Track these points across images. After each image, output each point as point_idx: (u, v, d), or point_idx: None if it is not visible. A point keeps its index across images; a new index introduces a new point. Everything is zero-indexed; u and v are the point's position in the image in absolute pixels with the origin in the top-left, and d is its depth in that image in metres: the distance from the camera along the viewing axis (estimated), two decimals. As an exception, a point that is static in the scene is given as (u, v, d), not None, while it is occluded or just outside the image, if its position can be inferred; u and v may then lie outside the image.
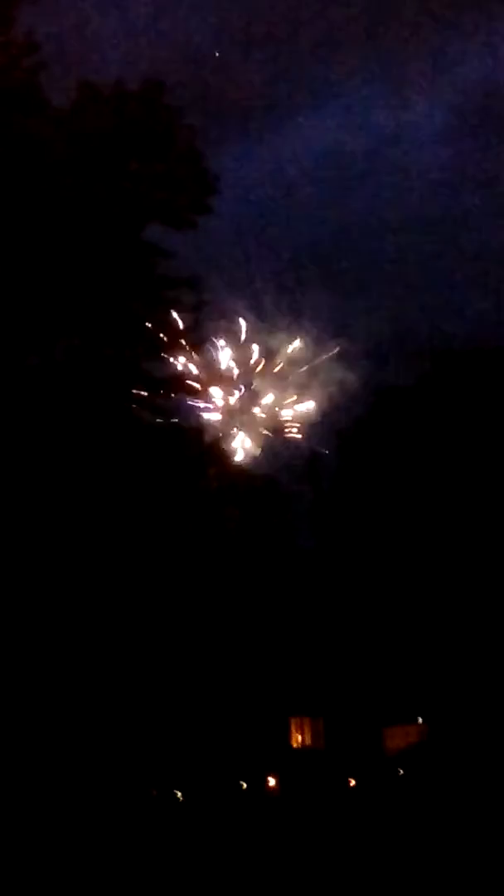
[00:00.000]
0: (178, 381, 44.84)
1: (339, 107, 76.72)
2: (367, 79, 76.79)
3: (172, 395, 44.79)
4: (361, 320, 43.19)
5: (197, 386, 44.66)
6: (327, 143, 73.50)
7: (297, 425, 42.63)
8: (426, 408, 51.56)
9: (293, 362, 42.35)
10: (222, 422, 42.54)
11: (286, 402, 42.57)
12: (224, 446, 44.09)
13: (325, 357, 42.81)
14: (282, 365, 42.40)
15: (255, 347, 42.77)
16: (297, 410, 42.48)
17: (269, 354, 42.71)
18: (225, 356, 42.67)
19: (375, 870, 27.88)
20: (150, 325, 44.33)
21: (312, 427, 43.15)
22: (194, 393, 44.70)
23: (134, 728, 41.61)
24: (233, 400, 42.32)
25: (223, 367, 42.74)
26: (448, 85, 78.72)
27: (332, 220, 65.48)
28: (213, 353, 43.03)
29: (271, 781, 44.28)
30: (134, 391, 44.94)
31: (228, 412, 42.49)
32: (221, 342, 42.06)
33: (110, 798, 38.15)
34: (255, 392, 42.42)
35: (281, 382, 42.55)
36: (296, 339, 42.25)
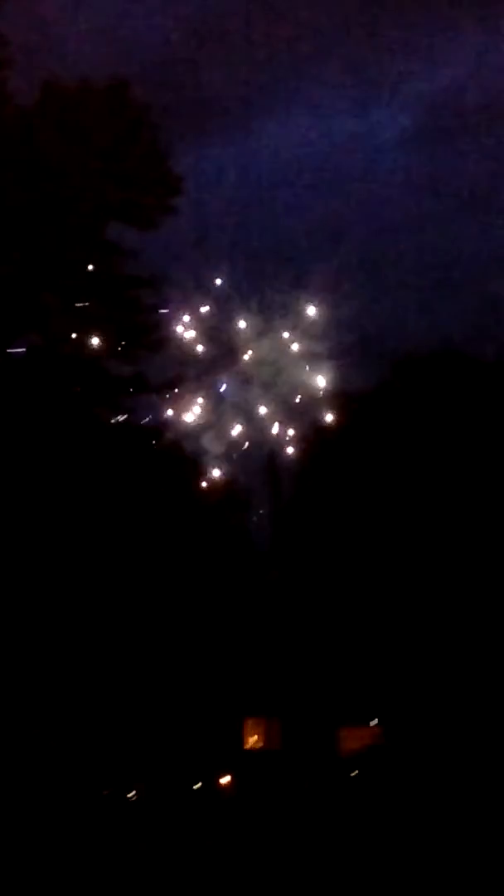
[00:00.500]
0: (138, 381, 44.91)
1: (303, 110, 76.67)
2: (330, 83, 76.73)
3: (132, 394, 44.87)
4: (324, 324, 43.17)
5: (157, 385, 44.70)
6: (290, 147, 73.53)
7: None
8: (386, 412, 51.76)
9: (257, 363, 42.42)
10: (184, 421, 42.55)
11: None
12: (185, 445, 44.13)
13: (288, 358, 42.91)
14: (246, 364, 42.44)
15: (219, 347, 42.78)
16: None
17: (232, 354, 42.73)
18: (186, 355, 42.67)
19: (328, 870, 27.95)
20: (110, 324, 44.40)
21: (272, 428, 43.18)
22: (155, 392, 44.74)
23: (85, 727, 41.57)
24: (196, 399, 42.33)
25: (185, 366, 42.75)
26: (411, 91, 78.82)
27: (294, 224, 65.54)
28: (175, 353, 43.01)
29: (224, 780, 44.25)
30: (94, 389, 44.99)
31: (190, 412, 42.48)
32: (183, 339, 42.06)
33: (61, 798, 38.07)
34: (218, 391, 42.45)
35: (245, 384, 42.59)
36: (260, 339, 42.30)
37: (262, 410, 42.18)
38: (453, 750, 42.98)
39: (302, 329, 42.31)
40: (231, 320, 42.05)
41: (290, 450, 43.39)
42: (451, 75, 77.46)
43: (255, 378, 42.16)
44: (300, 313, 42.33)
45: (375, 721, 48.24)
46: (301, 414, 43.05)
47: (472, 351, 53.56)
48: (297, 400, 42.75)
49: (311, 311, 42.28)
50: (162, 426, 44.36)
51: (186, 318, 41.80)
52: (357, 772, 43.48)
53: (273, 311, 42.38)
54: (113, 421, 43.86)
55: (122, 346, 44.27)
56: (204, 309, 41.91)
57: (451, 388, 51.98)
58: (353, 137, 71.74)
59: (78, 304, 43.55)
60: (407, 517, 49.25)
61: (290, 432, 43.07)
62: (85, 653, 41.83)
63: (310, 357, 42.64)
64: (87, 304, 43.99)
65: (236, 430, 42.21)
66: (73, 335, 43.77)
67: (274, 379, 42.14)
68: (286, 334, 42.25)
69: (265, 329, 42.23)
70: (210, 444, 41.89)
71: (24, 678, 40.67)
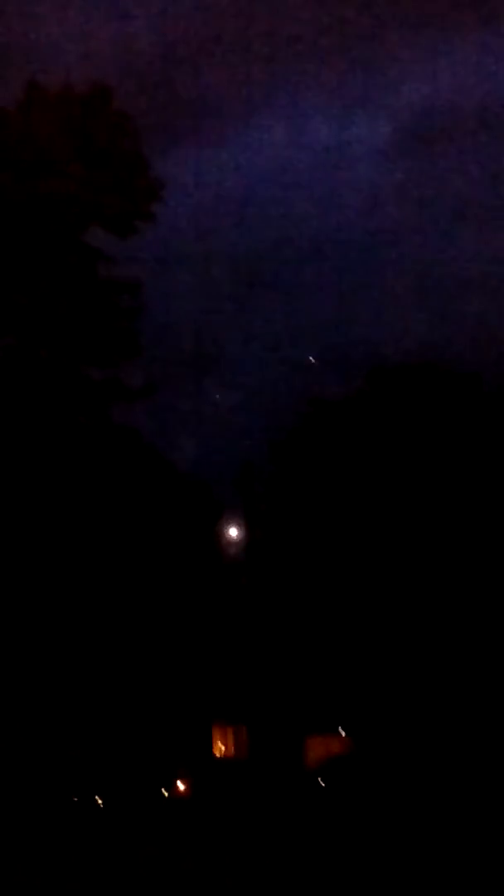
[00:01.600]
0: (116, 386, 44.92)
1: (282, 120, 76.89)
2: (310, 93, 76.99)
3: (110, 399, 44.86)
4: (299, 331, 43.47)
5: (136, 389, 44.77)
6: (269, 156, 73.76)
7: None
8: (358, 421, 51.95)
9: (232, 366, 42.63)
10: (161, 425, 42.70)
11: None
12: (161, 450, 44.28)
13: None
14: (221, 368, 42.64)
15: (194, 351, 42.95)
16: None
17: (206, 359, 42.91)
18: (164, 361, 42.82)
19: (293, 879, 28.01)
20: (88, 329, 44.40)
21: (245, 435, 43.37)
22: (133, 397, 44.81)
23: (54, 733, 41.54)
24: (174, 403, 42.47)
25: (163, 371, 42.88)
26: (390, 102, 79.21)
27: (271, 233, 65.78)
28: (153, 358, 43.15)
29: (182, 787, 44.33)
30: (70, 394, 44.95)
31: (167, 415, 42.66)
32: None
33: (30, 804, 38.06)
34: (194, 395, 42.61)
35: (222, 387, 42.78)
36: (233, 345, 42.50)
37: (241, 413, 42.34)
38: (423, 759, 43.19)
39: (273, 338, 42.52)
40: (206, 328, 42.23)
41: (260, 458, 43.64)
42: (432, 87, 77.94)
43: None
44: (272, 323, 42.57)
45: (342, 730, 48.47)
46: (272, 420, 43.26)
47: (446, 361, 53.85)
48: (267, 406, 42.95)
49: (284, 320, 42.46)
50: (138, 430, 44.49)
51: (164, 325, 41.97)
52: (323, 782, 43.63)
53: (245, 318, 42.55)
54: (91, 425, 43.77)
55: (99, 350, 44.28)
56: (182, 315, 42.08)
57: (425, 397, 52.21)
58: (332, 148, 72.05)
59: (55, 309, 43.51)
60: (378, 525, 49.42)
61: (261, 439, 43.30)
62: (52, 659, 41.78)
63: (283, 365, 42.88)
64: (64, 308, 43.96)
65: (211, 433, 42.42)
66: (50, 339, 43.76)
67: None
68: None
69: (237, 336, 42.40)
70: (186, 448, 42.08)
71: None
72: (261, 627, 47.63)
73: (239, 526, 45.20)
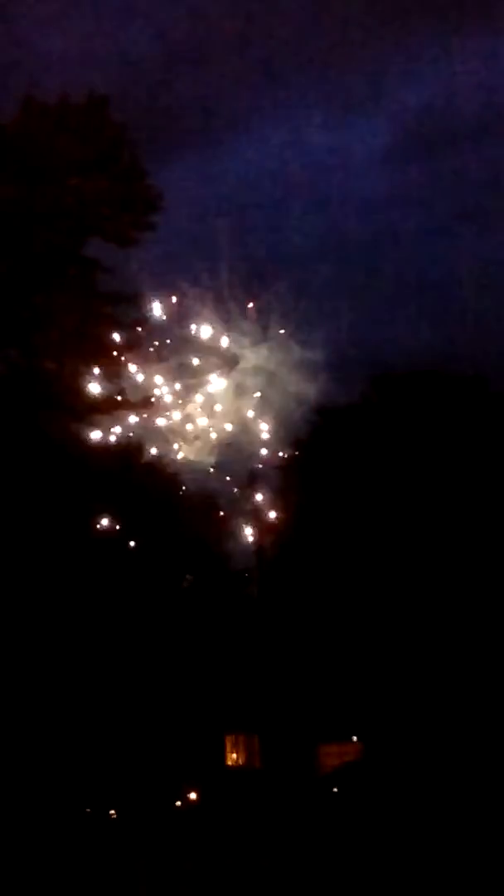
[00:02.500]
0: (116, 399, 44.75)
1: (280, 126, 76.95)
2: (307, 99, 77.00)
3: (111, 411, 44.68)
4: (302, 340, 43.24)
5: (135, 403, 44.59)
6: (267, 163, 73.83)
7: None
8: (366, 429, 51.90)
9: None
10: (160, 439, 42.53)
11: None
12: (162, 464, 44.12)
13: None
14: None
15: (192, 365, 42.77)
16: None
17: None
18: (162, 374, 42.68)
19: (310, 887, 27.88)
20: (89, 340, 44.28)
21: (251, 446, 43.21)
22: (132, 410, 44.63)
23: (67, 746, 41.41)
24: (172, 417, 42.30)
25: (160, 384, 42.70)
26: (388, 107, 79.22)
27: (270, 240, 65.80)
28: (152, 370, 42.98)
29: (194, 797, 44.16)
30: (72, 406, 44.82)
31: (166, 429, 42.49)
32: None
33: (44, 816, 37.91)
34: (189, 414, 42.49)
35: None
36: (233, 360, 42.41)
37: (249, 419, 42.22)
38: (434, 765, 43.00)
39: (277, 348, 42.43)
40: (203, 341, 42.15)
41: (273, 461, 43.53)
42: (431, 91, 77.97)
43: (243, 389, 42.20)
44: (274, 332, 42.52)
45: (355, 738, 48.28)
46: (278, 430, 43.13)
47: (450, 366, 53.80)
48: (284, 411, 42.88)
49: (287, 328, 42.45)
50: (142, 442, 44.33)
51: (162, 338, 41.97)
52: (337, 789, 43.45)
53: (246, 328, 42.47)
54: (91, 438, 43.60)
55: (101, 362, 44.13)
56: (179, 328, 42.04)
57: (430, 403, 52.15)
58: (331, 152, 72.03)
59: (57, 321, 43.42)
60: (386, 533, 49.31)
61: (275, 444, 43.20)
62: (64, 671, 41.66)
63: (286, 374, 42.76)
64: (64, 320, 43.85)
65: (219, 444, 42.28)
66: (52, 351, 43.66)
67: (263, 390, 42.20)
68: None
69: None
70: (191, 458, 41.91)
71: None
72: (272, 637, 47.49)
73: (247, 535, 44.99)
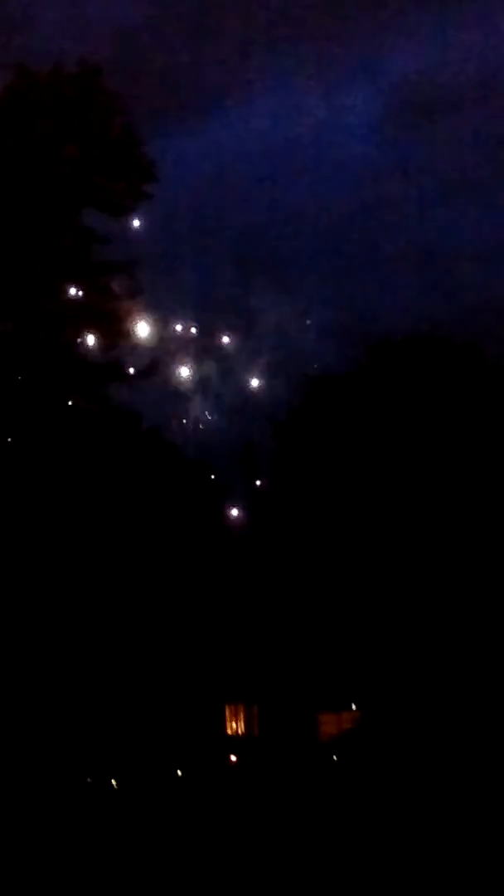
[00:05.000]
0: (113, 368, 44.72)
1: (271, 95, 76.39)
2: (299, 67, 76.48)
3: (108, 381, 44.66)
4: (296, 308, 43.26)
5: (132, 371, 44.57)
6: (259, 131, 73.40)
7: None
8: (361, 396, 51.81)
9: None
10: (158, 407, 42.57)
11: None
12: (160, 431, 44.16)
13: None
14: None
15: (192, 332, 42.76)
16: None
17: (204, 341, 42.71)
18: (162, 341, 42.64)
19: (312, 858, 27.95)
20: (85, 311, 44.20)
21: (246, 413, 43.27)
22: (130, 379, 44.61)
23: (67, 716, 41.48)
24: (170, 385, 42.34)
25: (160, 352, 42.71)
26: (380, 75, 78.69)
27: (264, 209, 65.50)
28: (149, 338, 42.93)
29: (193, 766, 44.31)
30: (68, 377, 44.77)
31: (165, 397, 42.55)
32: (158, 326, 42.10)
33: (45, 787, 38.00)
34: (191, 377, 42.45)
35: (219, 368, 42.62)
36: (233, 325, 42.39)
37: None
38: (432, 734, 43.16)
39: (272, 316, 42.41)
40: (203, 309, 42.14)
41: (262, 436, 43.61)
42: (422, 60, 77.51)
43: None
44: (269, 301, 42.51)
45: (354, 706, 48.41)
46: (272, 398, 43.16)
47: (446, 332, 53.68)
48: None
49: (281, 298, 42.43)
50: (137, 413, 44.31)
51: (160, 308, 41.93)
52: (336, 757, 43.60)
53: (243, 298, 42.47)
54: (89, 408, 43.56)
55: (97, 333, 44.05)
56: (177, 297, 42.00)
57: (425, 370, 52.10)
58: (323, 122, 71.66)
59: (52, 292, 43.30)
60: (383, 501, 49.31)
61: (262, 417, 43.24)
62: (63, 642, 41.69)
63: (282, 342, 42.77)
64: (61, 290, 43.74)
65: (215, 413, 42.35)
66: (47, 322, 43.57)
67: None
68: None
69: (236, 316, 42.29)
70: (188, 428, 41.96)
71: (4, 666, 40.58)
72: (270, 606, 47.57)
73: (243, 505, 45.05)
